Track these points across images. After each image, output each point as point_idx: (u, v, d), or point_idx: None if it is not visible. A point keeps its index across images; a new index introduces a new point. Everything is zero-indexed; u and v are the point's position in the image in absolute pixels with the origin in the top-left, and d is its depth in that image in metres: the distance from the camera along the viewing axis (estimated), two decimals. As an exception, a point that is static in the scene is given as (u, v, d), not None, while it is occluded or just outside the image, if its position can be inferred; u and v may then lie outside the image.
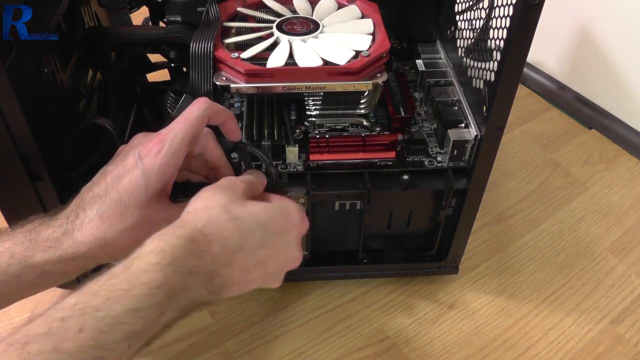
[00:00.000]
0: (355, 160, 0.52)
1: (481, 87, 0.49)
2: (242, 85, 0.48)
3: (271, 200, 0.41)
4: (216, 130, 0.44)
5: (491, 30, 0.48)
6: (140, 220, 0.38)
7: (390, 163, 0.52)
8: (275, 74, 0.48)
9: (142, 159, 0.37)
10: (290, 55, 0.49)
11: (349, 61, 0.48)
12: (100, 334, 0.29)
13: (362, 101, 0.54)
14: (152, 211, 0.38)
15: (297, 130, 0.53)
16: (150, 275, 0.31)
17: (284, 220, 0.38)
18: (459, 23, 0.57)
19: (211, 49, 0.48)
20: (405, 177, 0.51)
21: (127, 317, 0.30)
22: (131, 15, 0.62)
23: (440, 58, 0.61)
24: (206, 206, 0.36)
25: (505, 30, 0.44)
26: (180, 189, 0.42)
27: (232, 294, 0.36)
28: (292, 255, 0.39)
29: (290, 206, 0.40)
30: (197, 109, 0.39)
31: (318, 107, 0.54)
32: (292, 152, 0.51)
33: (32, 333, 0.28)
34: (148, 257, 0.32)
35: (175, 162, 0.38)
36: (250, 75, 0.47)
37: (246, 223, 0.36)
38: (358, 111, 0.55)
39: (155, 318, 0.31)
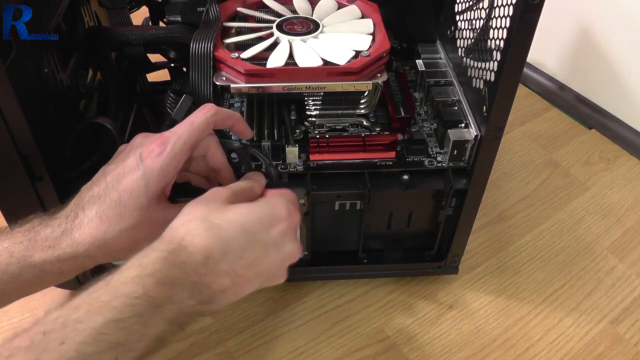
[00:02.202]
0: (355, 160, 0.52)
1: (481, 87, 0.49)
2: (242, 85, 0.48)
3: (264, 197, 0.41)
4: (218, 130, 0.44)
5: (491, 30, 0.48)
6: (139, 220, 0.38)
7: (390, 163, 0.52)
8: (275, 74, 0.48)
9: (144, 160, 0.37)
10: (290, 55, 0.49)
11: (349, 61, 0.48)
12: (82, 345, 0.29)
13: (362, 101, 0.54)
14: (151, 212, 0.38)
15: (297, 130, 0.53)
16: (129, 286, 0.31)
17: (268, 217, 0.38)
18: (459, 23, 0.57)
19: (211, 49, 0.48)
20: (405, 177, 0.51)
21: (108, 328, 0.30)
22: (131, 15, 0.62)
23: (440, 58, 0.61)
24: (184, 220, 0.36)
25: (505, 30, 0.44)
26: (180, 190, 0.42)
27: (229, 299, 0.36)
28: (287, 250, 0.39)
29: (275, 200, 0.39)
30: (203, 115, 0.39)
31: (318, 107, 0.54)
32: (292, 152, 0.51)
33: (15, 346, 0.29)
34: (127, 271, 0.32)
35: (176, 164, 0.38)
36: (250, 75, 0.47)
37: (226, 228, 0.36)
38: (358, 111, 0.55)
39: (140, 329, 0.31)
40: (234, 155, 0.49)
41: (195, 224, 0.35)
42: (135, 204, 0.37)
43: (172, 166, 0.38)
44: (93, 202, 0.37)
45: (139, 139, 0.40)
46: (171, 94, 0.52)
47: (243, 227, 0.36)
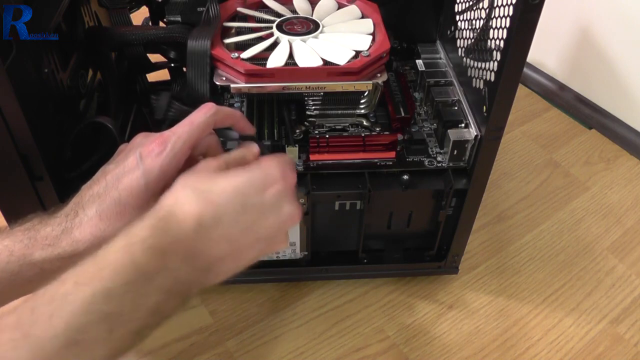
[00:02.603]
0: (355, 160, 0.52)
1: (481, 87, 0.49)
2: (242, 85, 0.48)
3: (257, 161, 0.40)
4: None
5: (491, 30, 0.48)
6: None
7: (390, 163, 0.52)
8: (275, 74, 0.48)
9: (144, 160, 0.37)
10: (290, 55, 0.49)
11: (349, 61, 0.48)
12: (72, 316, 0.29)
13: (362, 101, 0.54)
14: None
15: (297, 130, 0.53)
16: (117, 255, 0.31)
17: (261, 179, 0.37)
18: (459, 23, 0.57)
19: (208, 47, 0.48)
20: (405, 177, 0.51)
21: (98, 299, 0.30)
22: (131, 15, 0.62)
23: (440, 58, 0.61)
24: (174, 190, 0.35)
25: (505, 30, 0.44)
26: None
27: (230, 267, 0.36)
28: (285, 212, 0.38)
29: (268, 163, 0.38)
30: (203, 114, 0.39)
31: (318, 107, 0.54)
32: (292, 152, 0.51)
33: (2, 324, 0.29)
34: (115, 242, 0.32)
35: (176, 164, 0.38)
36: (250, 75, 0.47)
37: (218, 194, 0.35)
38: (358, 111, 0.55)
39: (133, 299, 0.31)
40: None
41: (185, 192, 0.35)
42: (135, 203, 0.37)
43: (172, 165, 0.37)
44: (93, 201, 0.37)
45: (139, 138, 0.40)
46: (152, 97, 0.51)
47: (235, 191, 0.36)
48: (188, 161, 0.40)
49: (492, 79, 0.46)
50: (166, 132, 0.38)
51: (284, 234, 0.39)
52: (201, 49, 0.48)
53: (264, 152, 0.45)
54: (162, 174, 0.37)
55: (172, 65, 0.59)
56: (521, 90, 0.92)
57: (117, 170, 0.38)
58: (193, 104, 0.50)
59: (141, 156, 0.37)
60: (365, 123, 0.54)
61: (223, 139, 0.51)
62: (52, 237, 0.37)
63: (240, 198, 0.36)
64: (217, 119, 0.40)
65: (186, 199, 0.34)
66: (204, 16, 0.53)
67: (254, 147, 0.41)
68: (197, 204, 0.34)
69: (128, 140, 0.41)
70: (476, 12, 0.53)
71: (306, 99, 0.55)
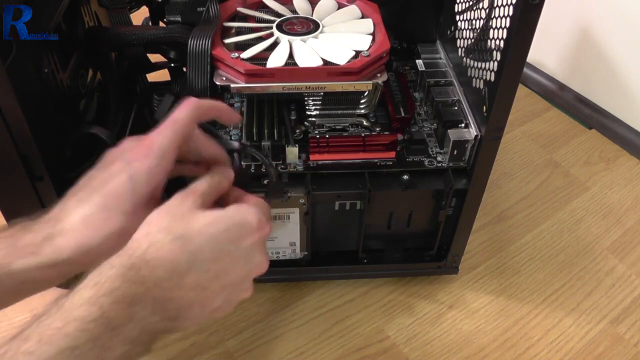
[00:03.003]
0: (355, 160, 0.52)
1: (481, 87, 0.49)
2: (242, 85, 0.48)
3: (236, 205, 0.39)
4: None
5: (491, 30, 0.48)
6: (126, 226, 0.36)
7: (390, 163, 0.52)
8: (275, 74, 0.48)
9: (130, 163, 0.36)
10: (290, 55, 0.49)
11: (349, 61, 0.48)
12: None
13: (362, 101, 0.54)
14: (139, 218, 0.36)
15: (297, 130, 0.53)
16: (84, 309, 0.29)
17: (238, 228, 0.36)
18: (459, 23, 0.57)
19: (209, 46, 0.48)
20: (405, 177, 0.51)
21: (62, 358, 0.28)
22: (131, 15, 0.62)
23: (440, 58, 0.61)
24: (147, 232, 0.34)
25: (505, 30, 0.44)
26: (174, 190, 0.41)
27: (196, 315, 0.34)
28: (255, 262, 0.37)
29: (245, 211, 0.37)
30: (185, 110, 0.38)
31: (318, 107, 0.54)
32: (292, 152, 0.51)
33: None
34: (82, 292, 0.30)
35: (164, 165, 0.36)
36: (250, 75, 0.47)
37: (193, 240, 0.34)
38: (358, 111, 0.55)
39: (98, 354, 0.29)
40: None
41: (159, 236, 0.33)
42: (121, 209, 0.35)
43: (161, 167, 0.36)
44: (77, 207, 0.36)
45: (126, 143, 0.38)
46: (156, 96, 0.51)
47: (210, 238, 0.34)
48: (178, 161, 0.40)
49: (492, 79, 0.46)
50: (151, 134, 0.37)
51: (250, 283, 0.38)
52: (201, 49, 0.48)
53: (272, 174, 0.45)
54: (149, 177, 0.36)
55: (172, 65, 0.59)
56: (521, 90, 0.92)
57: (102, 175, 0.36)
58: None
59: (127, 160, 0.36)
60: (365, 123, 0.54)
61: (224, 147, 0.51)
62: (33, 245, 0.35)
63: (215, 245, 0.34)
64: (200, 112, 0.39)
65: (160, 243, 0.33)
66: (204, 15, 0.53)
67: (229, 173, 0.40)
68: (171, 250, 0.33)
69: None
70: (476, 12, 0.53)
71: (306, 99, 0.55)
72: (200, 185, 0.38)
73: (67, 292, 0.31)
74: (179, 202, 0.36)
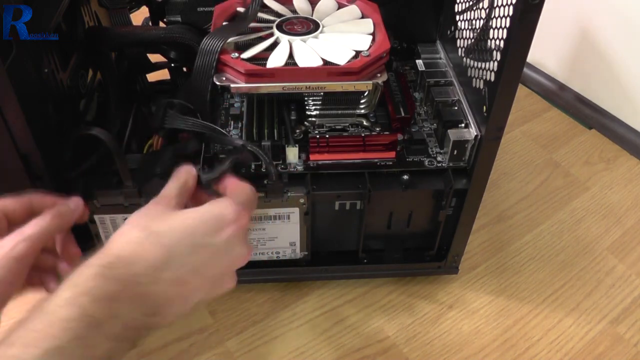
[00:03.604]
0: (355, 160, 0.52)
1: (481, 87, 0.49)
2: (242, 85, 0.48)
3: (213, 202, 0.39)
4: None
5: (491, 30, 0.48)
6: None
7: (390, 163, 0.52)
8: (275, 74, 0.47)
9: None
10: (290, 55, 0.49)
11: (349, 61, 0.48)
12: None
13: (362, 101, 0.54)
14: None
15: (297, 130, 0.53)
16: (66, 309, 0.30)
17: (214, 221, 0.36)
18: (459, 23, 0.57)
19: (219, 47, 0.48)
20: (405, 177, 0.51)
21: (48, 358, 0.28)
22: (131, 15, 0.62)
23: (440, 58, 0.61)
24: (124, 230, 0.34)
25: (505, 30, 0.44)
26: None
27: (178, 309, 0.35)
28: (235, 254, 0.37)
29: (220, 204, 0.37)
30: (39, 224, 0.36)
31: (318, 107, 0.54)
32: (292, 152, 0.51)
33: None
34: (62, 293, 0.30)
35: (16, 269, 0.35)
36: (250, 75, 0.47)
37: (169, 235, 0.34)
38: (358, 111, 0.55)
39: (83, 352, 0.29)
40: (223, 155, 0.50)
41: (135, 233, 0.34)
42: None
43: (10, 271, 0.34)
44: None
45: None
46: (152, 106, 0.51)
47: (186, 232, 0.35)
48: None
49: (492, 79, 0.46)
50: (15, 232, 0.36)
51: (232, 275, 0.38)
52: (211, 49, 0.48)
53: (272, 174, 0.46)
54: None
55: (172, 65, 0.59)
56: (521, 90, 0.92)
57: None
58: (194, 103, 0.50)
59: None
60: (365, 123, 0.54)
61: (221, 144, 0.51)
62: None
63: (191, 239, 0.35)
64: (57, 224, 0.37)
65: (136, 240, 0.33)
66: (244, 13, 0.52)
67: (191, 170, 0.41)
68: (147, 246, 0.33)
69: (126, 143, 0.40)
70: (476, 12, 0.53)
71: (306, 99, 0.55)
72: (170, 189, 0.39)
73: (47, 296, 0.31)
74: (153, 205, 0.37)
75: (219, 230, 0.36)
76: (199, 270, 0.35)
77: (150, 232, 0.34)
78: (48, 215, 0.37)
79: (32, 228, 0.36)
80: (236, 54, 0.48)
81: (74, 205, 0.40)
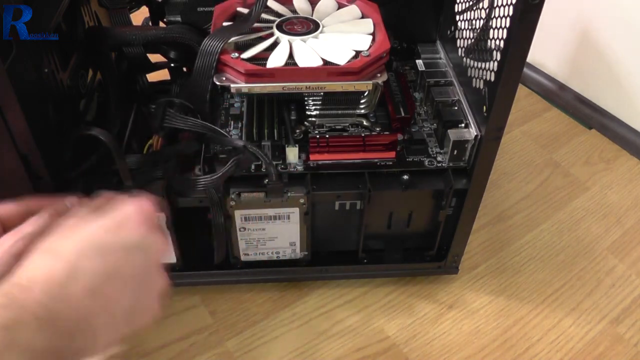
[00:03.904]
0: (355, 160, 0.52)
1: (481, 87, 0.49)
2: (242, 85, 0.48)
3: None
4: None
5: (491, 30, 0.48)
6: None
7: (390, 163, 0.52)
8: (275, 74, 0.47)
9: None
10: (290, 55, 0.49)
11: (349, 61, 0.48)
12: None
13: (362, 101, 0.54)
14: None
15: (297, 130, 0.53)
16: None
17: (113, 218, 0.34)
18: (459, 23, 0.57)
19: (219, 49, 0.48)
20: (405, 177, 0.51)
21: None
22: (131, 15, 0.62)
23: (440, 58, 0.61)
24: (22, 260, 0.32)
25: (505, 30, 0.44)
26: None
27: (106, 326, 0.32)
28: (148, 245, 0.34)
29: (119, 201, 0.35)
30: None
31: (318, 107, 0.54)
32: (292, 152, 0.51)
33: None
34: None
35: None
36: (250, 75, 0.47)
37: (69, 248, 0.32)
38: (358, 111, 0.55)
39: None
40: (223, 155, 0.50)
41: (33, 257, 0.31)
42: None
43: None
44: None
45: None
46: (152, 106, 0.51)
47: (87, 239, 0.32)
48: None
49: (492, 79, 0.46)
50: None
51: (158, 269, 0.35)
52: (212, 50, 0.48)
53: (272, 174, 0.46)
54: None
55: (172, 65, 0.59)
56: (521, 90, 0.92)
57: None
58: (194, 103, 0.50)
59: None
60: (365, 123, 0.54)
61: (220, 145, 0.51)
62: None
63: (94, 244, 0.32)
64: None
65: (33, 264, 0.31)
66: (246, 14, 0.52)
67: (72, 198, 0.38)
68: (45, 265, 0.31)
69: (129, 139, 0.40)
70: (476, 12, 0.53)
71: (306, 99, 0.55)
72: (34, 222, 0.35)
73: None
74: (56, 225, 0.34)
75: (121, 226, 0.34)
76: (111, 274, 0.32)
77: (50, 251, 0.32)
78: (45, 214, 0.37)
79: (30, 226, 0.36)
80: (236, 54, 0.48)
81: (71, 203, 0.39)
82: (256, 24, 0.54)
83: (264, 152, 0.50)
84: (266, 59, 0.48)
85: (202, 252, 0.56)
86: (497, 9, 0.47)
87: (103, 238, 0.33)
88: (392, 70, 0.62)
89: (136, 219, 0.35)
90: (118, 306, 0.33)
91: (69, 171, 0.47)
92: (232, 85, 0.48)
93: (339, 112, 0.55)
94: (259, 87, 0.48)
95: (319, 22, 0.53)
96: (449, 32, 0.60)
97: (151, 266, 0.35)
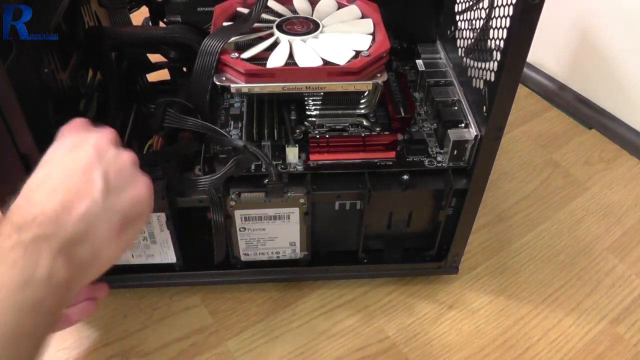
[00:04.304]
0: (355, 160, 0.52)
1: (481, 87, 0.49)
2: (242, 85, 0.48)
3: None
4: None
5: (491, 30, 0.48)
6: None
7: (390, 163, 0.52)
8: (275, 74, 0.47)
9: None
10: (290, 55, 0.49)
11: (349, 61, 0.48)
12: None
13: (362, 101, 0.54)
14: None
15: (297, 130, 0.53)
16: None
17: (75, 137, 0.39)
18: (459, 23, 0.57)
19: (219, 48, 0.48)
20: (405, 177, 0.51)
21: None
22: (131, 15, 0.62)
23: (440, 58, 0.61)
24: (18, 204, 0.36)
25: (505, 30, 0.44)
26: None
27: (110, 231, 0.36)
28: (111, 155, 0.38)
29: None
30: None
31: (318, 107, 0.54)
32: (292, 152, 0.51)
33: None
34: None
35: None
36: (250, 75, 0.47)
37: (45, 158, 0.37)
38: (358, 111, 0.55)
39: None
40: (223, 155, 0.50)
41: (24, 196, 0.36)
42: None
43: None
44: None
45: None
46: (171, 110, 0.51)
47: (56, 145, 0.38)
48: None
49: (492, 79, 0.46)
50: None
51: (134, 170, 0.39)
52: (212, 50, 0.48)
53: (272, 174, 0.47)
54: None
55: (172, 65, 0.59)
56: (521, 90, 0.92)
57: None
58: (194, 103, 0.50)
59: None
60: (365, 123, 0.54)
61: (220, 146, 0.51)
62: None
63: (62, 146, 0.38)
64: None
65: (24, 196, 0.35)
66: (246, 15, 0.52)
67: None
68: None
69: (129, 139, 0.41)
70: (476, 12, 0.53)
71: (306, 99, 0.55)
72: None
73: None
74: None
75: (79, 143, 0.38)
76: (81, 166, 0.36)
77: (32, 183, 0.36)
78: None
79: None
80: (236, 54, 0.48)
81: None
82: (256, 24, 0.54)
83: (264, 152, 0.50)
84: (266, 59, 0.48)
85: (202, 252, 0.57)
86: (497, 9, 0.47)
87: (69, 138, 0.39)
88: (392, 70, 0.62)
89: (97, 135, 0.39)
90: (112, 210, 0.36)
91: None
92: (232, 85, 0.48)
93: (339, 112, 0.55)
94: (259, 87, 0.48)
95: (319, 22, 0.53)
96: (449, 32, 0.60)
97: (126, 168, 0.38)
